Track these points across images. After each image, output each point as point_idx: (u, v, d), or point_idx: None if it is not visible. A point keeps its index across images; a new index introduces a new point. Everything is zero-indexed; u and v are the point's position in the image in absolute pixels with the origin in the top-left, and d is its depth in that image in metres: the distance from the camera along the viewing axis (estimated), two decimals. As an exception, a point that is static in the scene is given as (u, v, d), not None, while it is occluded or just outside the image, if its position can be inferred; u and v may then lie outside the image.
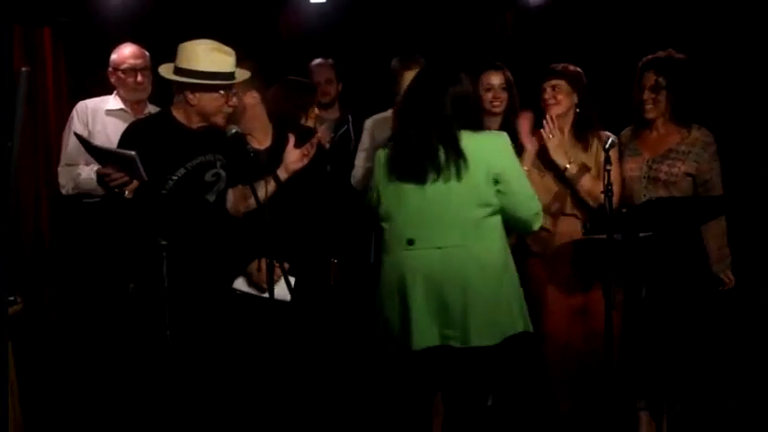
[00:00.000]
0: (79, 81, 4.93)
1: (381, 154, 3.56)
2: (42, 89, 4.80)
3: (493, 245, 3.44)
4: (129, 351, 3.91)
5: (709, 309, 4.14)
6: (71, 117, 4.59)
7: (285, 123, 4.29)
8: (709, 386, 4.19)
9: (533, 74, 4.61)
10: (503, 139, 3.51)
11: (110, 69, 4.59)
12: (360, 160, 4.74)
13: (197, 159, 3.80)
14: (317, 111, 4.43)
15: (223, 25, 5.01)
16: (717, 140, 4.16)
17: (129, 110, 4.57)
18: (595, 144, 4.19)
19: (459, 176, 3.38)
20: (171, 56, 3.87)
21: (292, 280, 3.78)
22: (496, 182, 3.41)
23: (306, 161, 3.93)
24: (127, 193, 3.68)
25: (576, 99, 4.22)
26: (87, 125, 4.54)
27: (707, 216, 4.04)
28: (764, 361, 4.62)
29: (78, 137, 3.90)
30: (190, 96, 3.75)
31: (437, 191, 3.40)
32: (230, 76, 3.75)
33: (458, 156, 3.39)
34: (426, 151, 3.41)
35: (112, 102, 4.61)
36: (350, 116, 5.11)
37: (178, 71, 3.74)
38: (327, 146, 4.73)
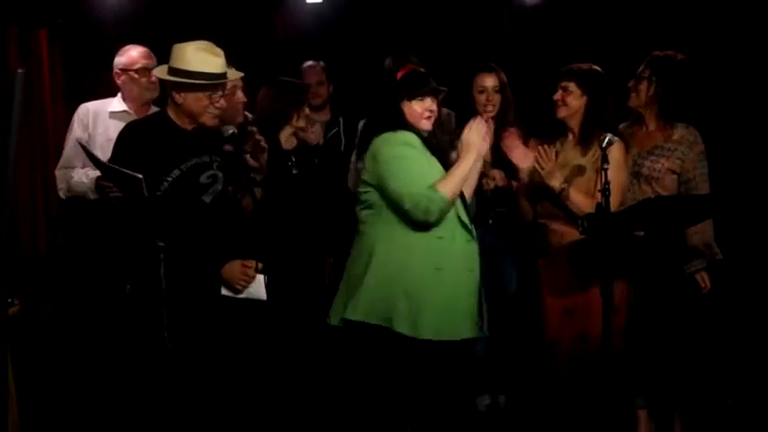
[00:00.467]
0: (76, 83, 4.92)
1: None
2: (38, 91, 4.79)
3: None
4: (126, 353, 3.91)
5: (703, 308, 4.16)
6: (73, 119, 4.58)
7: (276, 124, 4.31)
8: (709, 385, 4.20)
9: (533, 73, 4.64)
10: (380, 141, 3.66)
11: (117, 71, 4.57)
12: (355, 161, 4.74)
13: (192, 161, 3.79)
14: (307, 111, 4.41)
15: (219, 26, 5.02)
16: (712, 141, 4.19)
17: (132, 112, 4.56)
18: (595, 145, 4.09)
19: None
20: (168, 57, 3.89)
21: (264, 278, 3.82)
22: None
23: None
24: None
25: (587, 101, 4.12)
26: (88, 128, 4.53)
27: (703, 216, 4.05)
28: (764, 361, 4.62)
29: (87, 152, 3.82)
30: (176, 96, 3.77)
31: None
32: (217, 76, 3.74)
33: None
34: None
35: (116, 104, 4.60)
36: (341, 118, 5.12)
37: (169, 71, 3.76)
38: (321, 142, 4.75)
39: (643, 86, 4.18)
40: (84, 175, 4.43)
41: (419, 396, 3.63)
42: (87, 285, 4.55)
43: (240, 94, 4.19)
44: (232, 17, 5.25)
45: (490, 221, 4.65)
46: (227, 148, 3.89)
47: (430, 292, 3.56)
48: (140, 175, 3.53)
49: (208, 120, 3.79)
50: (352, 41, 5.49)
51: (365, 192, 3.69)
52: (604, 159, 3.75)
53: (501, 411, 4.84)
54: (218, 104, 3.78)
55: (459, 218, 3.65)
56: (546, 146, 4.10)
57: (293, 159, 4.37)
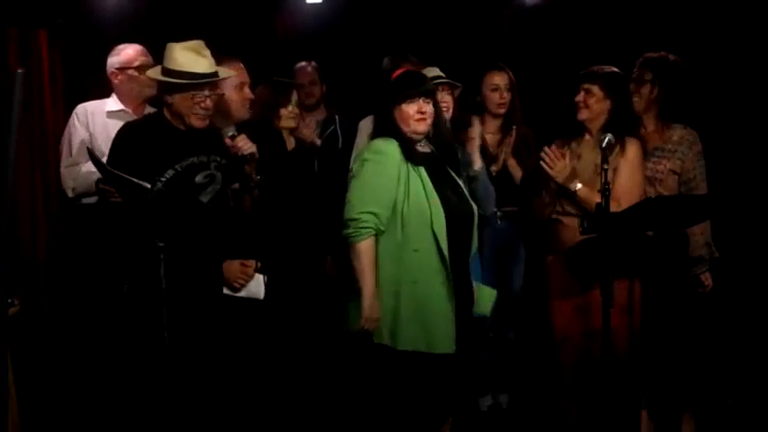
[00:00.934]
0: (76, 83, 4.92)
1: None
2: (38, 91, 4.79)
3: None
4: (126, 353, 3.91)
5: (704, 308, 4.16)
6: (71, 119, 4.57)
7: (268, 124, 4.32)
8: (717, 384, 4.21)
9: (533, 73, 4.64)
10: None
11: (113, 71, 4.56)
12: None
13: (187, 161, 3.78)
14: (291, 110, 4.37)
15: (219, 26, 5.02)
16: (710, 141, 4.20)
17: (130, 110, 4.56)
18: (617, 148, 4.06)
19: None
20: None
21: (264, 278, 3.81)
22: None
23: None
24: None
25: (610, 104, 4.09)
26: (88, 127, 4.53)
27: (703, 216, 4.05)
28: (764, 360, 4.62)
29: (95, 160, 3.76)
30: (167, 97, 3.77)
31: None
32: (201, 76, 3.71)
33: None
34: None
35: (112, 103, 4.59)
36: (337, 116, 5.12)
37: (162, 71, 3.77)
38: (318, 142, 4.74)
39: (645, 90, 4.19)
40: (93, 166, 4.42)
41: (405, 406, 3.63)
42: (87, 285, 4.54)
43: (247, 91, 4.18)
44: (232, 17, 5.25)
45: (498, 221, 4.67)
46: (228, 142, 3.88)
47: (406, 305, 3.59)
48: (148, 185, 3.52)
49: (195, 121, 3.76)
50: (351, 41, 5.49)
51: None
52: (604, 159, 3.76)
53: (503, 411, 4.84)
54: (203, 105, 3.74)
55: (433, 230, 3.63)
56: (555, 147, 4.09)
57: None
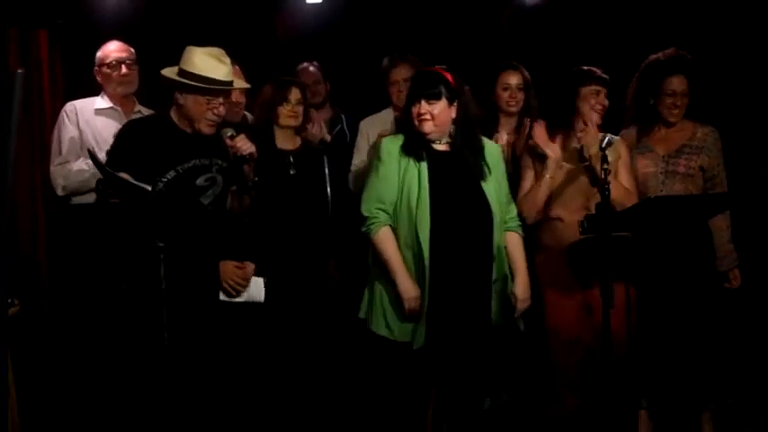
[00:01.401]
0: (75, 83, 4.92)
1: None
2: (38, 91, 4.79)
3: None
4: (126, 353, 3.91)
5: (715, 307, 4.17)
6: (61, 118, 4.57)
7: (268, 123, 4.32)
8: (714, 385, 4.21)
9: (534, 73, 4.63)
10: None
11: (95, 68, 4.60)
12: (356, 161, 4.74)
13: (190, 163, 3.79)
14: (289, 108, 4.35)
15: (219, 26, 5.02)
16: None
17: (118, 108, 4.56)
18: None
19: None
20: (167, 57, 3.90)
21: (263, 281, 3.82)
22: None
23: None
24: None
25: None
26: (78, 125, 4.52)
27: (703, 215, 4.06)
28: (765, 360, 4.62)
29: (96, 161, 3.73)
30: (179, 97, 3.78)
31: None
32: (219, 83, 3.75)
33: None
34: None
35: (100, 101, 4.60)
36: (343, 115, 5.12)
37: (179, 72, 3.78)
38: (329, 138, 4.74)
39: (687, 100, 4.24)
40: (85, 163, 4.42)
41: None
42: (87, 285, 4.54)
43: (237, 93, 4.18)
44: (232, 17, 5.24)
45: None
46: (227, 142, 3.88)
47: (388, 294, 3.77)
48: (149, 187, 3.53)
49: (204, 126, 3.78)
50: (351, 41, 5.48)
51: None
52: (604, 159, 3.76)
53: (503, 410, 4.83)
54: (216, 111, 3.77)
55: (416, 227, 3.72)
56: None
57: (291, 160, 4.37)
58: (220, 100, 3.77)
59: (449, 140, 3.84)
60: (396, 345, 3.77)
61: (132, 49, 4.60)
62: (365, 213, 3.79)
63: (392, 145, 3.81)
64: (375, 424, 4.16)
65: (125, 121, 4.31)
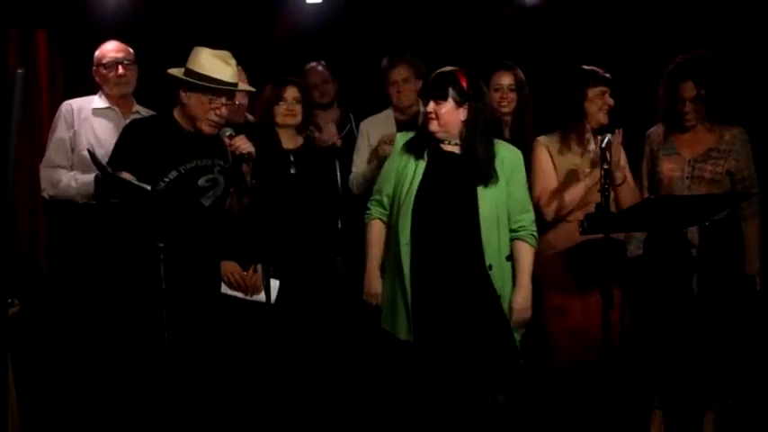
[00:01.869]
0: (75, 83, 4.91)
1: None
2: (38, 91, 4.78)
3: None
4: (126, 353, 3.91)
5: (742, 309, 4.17)
6: (56, 117, 4.56)
7: (269, 122, 4.33)
8: (719, 384, 4.21)
9: (534, 73, 4.62)
10: None
11: (93, 68, 4.59)
12: (357, 163, 4.74)
13: (191, 163, 3.80)
14: (285, 107, 4.36)
15: (219, 26, 5.02)
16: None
17: (116, 108, 4.56)
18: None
19: None
20: (167, 57, 3.90)
21: (275, 282, 3.86)
22: None
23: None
24: None
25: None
26: (73, 125, 4.50)
27: (703, 215, 4.05)
28: (765, 361, 4.61)
29: (96, 162, 3.75)
30: (183, 95, 3.79)
31: None
32: (223, 83, 3.76)
33: None
34: None
35: (98, 101, 4.58)
36: (351, 115, 5.11)
37: (185, 72, 3.80)
38: (339, 143, 4.76)
39: (703, 105, 4.22)
40: (73, 180, 4.40)
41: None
42: (87, 285, 4.54)
43: (239, 95, 4.18)
44: (232, 17, 5.24)
45: None
46: (226, 141, 3.88)
47: (385, 288, 3.90)
48: (149, 187, 3.53)
49: (206, 126, 3.79)
50: (352, 42, 5.48)
51: None
52: (604, 159, 3.76)
53: (502, 410, 4.83)
54: (218, 112, 3.78)
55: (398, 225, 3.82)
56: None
57: (292, 159, 4.37)
58: (223, 100, 3.78)
59: (458, 142, 3.86)
60: (397, 340, 3.83)
61: (131, 50, 4.59)
62: (368, 204, 3.99)
63: (402, 140, 3.95)
64: (382, 419, 4.18)
65: (122, 121, 4.31)
